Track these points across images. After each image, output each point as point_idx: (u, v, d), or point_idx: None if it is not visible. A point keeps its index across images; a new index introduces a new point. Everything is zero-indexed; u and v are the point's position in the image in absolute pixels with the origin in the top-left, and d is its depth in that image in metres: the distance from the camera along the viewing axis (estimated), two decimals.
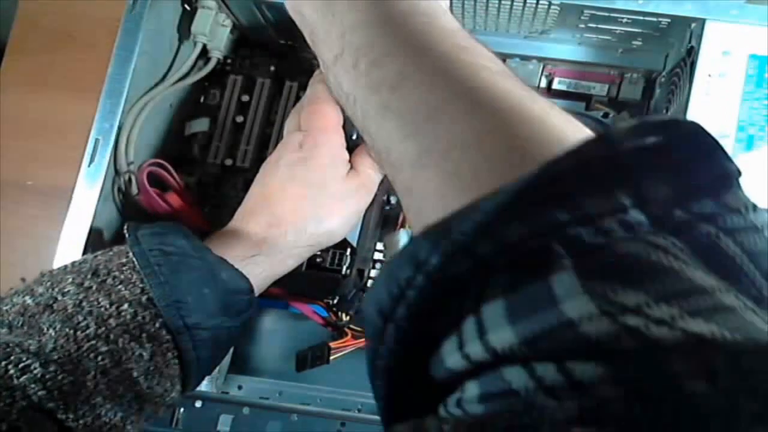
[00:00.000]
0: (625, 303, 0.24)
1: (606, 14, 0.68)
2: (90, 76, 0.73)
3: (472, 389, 0.28)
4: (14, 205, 0.74)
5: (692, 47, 0.67)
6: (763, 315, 0.25)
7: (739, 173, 0.29)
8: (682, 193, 0.28)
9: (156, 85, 0.75)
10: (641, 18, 0.68)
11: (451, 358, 0.29)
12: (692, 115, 0.64)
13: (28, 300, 0.53)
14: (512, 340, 0.26)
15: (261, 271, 0.62)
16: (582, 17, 0.69)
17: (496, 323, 0.26)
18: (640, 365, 0.23)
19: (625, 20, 0.69)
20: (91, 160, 0.69)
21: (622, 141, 0.29)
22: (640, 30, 0.70)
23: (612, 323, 0.23)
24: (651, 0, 0.66)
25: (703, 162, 0.29)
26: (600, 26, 0.71)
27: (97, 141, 0.69)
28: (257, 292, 0.63)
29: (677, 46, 0.70)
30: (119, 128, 0.70)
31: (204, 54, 0.77)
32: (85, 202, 0.68)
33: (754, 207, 0.28)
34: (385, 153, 0.42)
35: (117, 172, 0.71)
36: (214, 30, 0.76)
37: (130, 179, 0.72)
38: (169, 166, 0.73)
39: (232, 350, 0.75)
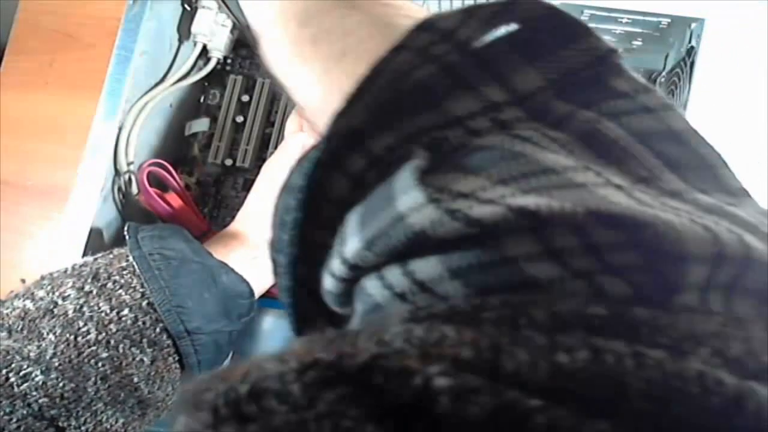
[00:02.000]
0: (460, 190, 0.23)
1: (606, 14, 0.68)
2: (90, 76, 0.72)
3: (356, 309, 0.27)
4: (14, 205, 0.74)
5: (692, 47, 0.67)
6: (648, 192, 0.24)
7: (615, 51, 0.28)
8: (557, 82, 0.27)
9: (156, 85, 0.75)
10: (641, 18, 0.68)
11: (326, 279, 0.28)
12: (692, 114, 0.64)
13: (29, 304, 0.53)
14: (357, 246, 0.25)
15: (262, 273, 0.63)
16: (582, 17, 0.69)
17: (350, 233, 0.26)
18: (466, 249, 0.22)
19: (625, 20, 0.69)
20: (91, 161, 0.69)
21: (470, 40, 0.28)
22: (640, 30, 0.70)
23: (436, 209, 0.22)
24: (651, 0, 0.66)
25: (571, 44, 0.28)
26: (600, 26, 0.71)
27: (97, 141, 0.69)
28: (259, 293, 0.63)
29: (677, 46, 0.70)
30: (119, 128, 0.71)
31: (204, 54, 0.77)
32: (85, 202, 0.68)
33: (646, 88, 0.27)
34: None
35: (117, 172, 0.71)
36: (214, 30, 0.75)
37: (130, 179, 0.72)
38: (169, 166, 0.73)
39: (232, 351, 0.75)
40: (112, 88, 0.70)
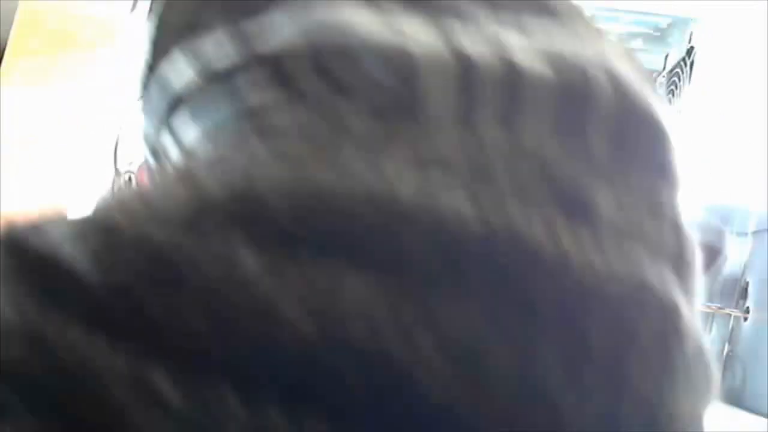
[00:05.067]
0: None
1: (606, 14, 0.68)
2: (90, 76, 0.73)
3: None
4: (14, 204, 0.74)
5: (692, 47, 0.67)
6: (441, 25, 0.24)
7: None
8: None
9: None
10: (641, 18, 0.68)
11: None
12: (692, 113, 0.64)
13: None
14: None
15: None
16: None
17: None
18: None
19: (625, 20, 0.69)
20: (91, 160, 0.69)
21: None
22: (640, 30, 0.70)
23: None
24: (651, 0, 0.66)
25: None
26: (600, 26, 0.71)
27: (96, 141, 0.70)
28: None
29: (677, 46, 0.70)
30: (119, 128, 0.71)
31: None
32: (86, 202, 0.68)
33: None
34: None
35: (117, 172, 0.71)
36: None
37: (130, 179, 0.72)
38: None
39: None
40: (113, 87, 0.70)
